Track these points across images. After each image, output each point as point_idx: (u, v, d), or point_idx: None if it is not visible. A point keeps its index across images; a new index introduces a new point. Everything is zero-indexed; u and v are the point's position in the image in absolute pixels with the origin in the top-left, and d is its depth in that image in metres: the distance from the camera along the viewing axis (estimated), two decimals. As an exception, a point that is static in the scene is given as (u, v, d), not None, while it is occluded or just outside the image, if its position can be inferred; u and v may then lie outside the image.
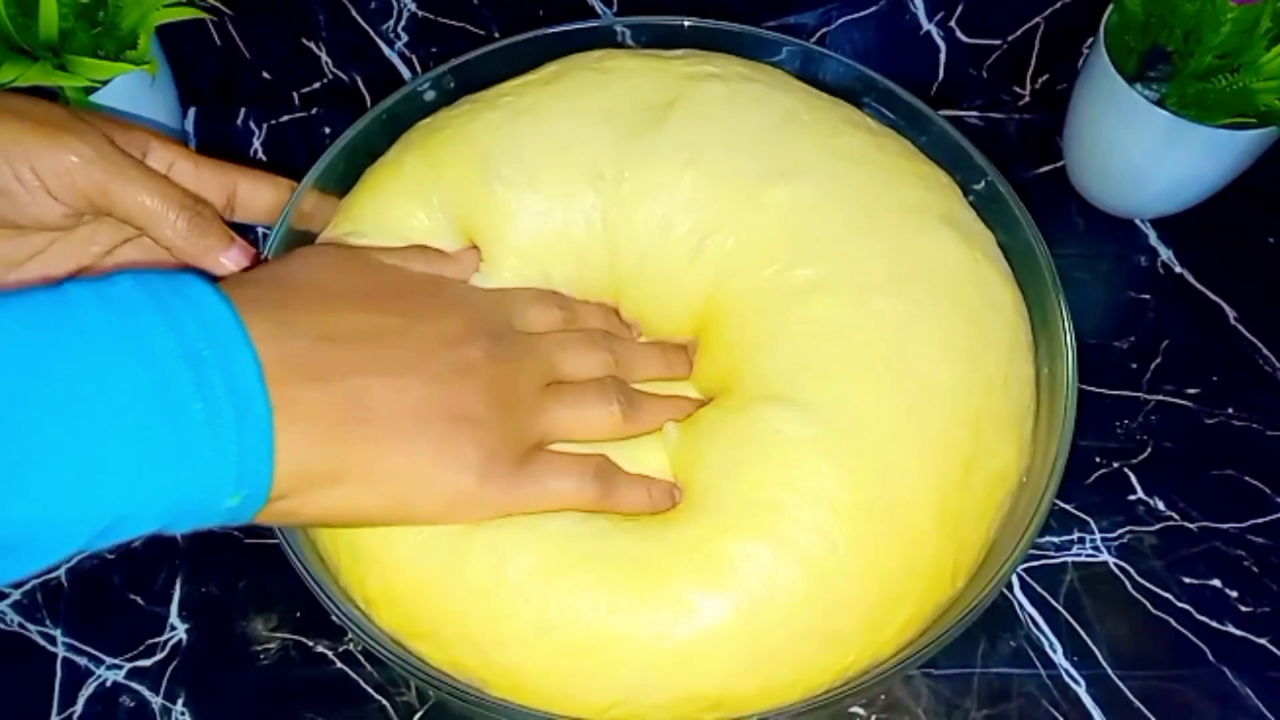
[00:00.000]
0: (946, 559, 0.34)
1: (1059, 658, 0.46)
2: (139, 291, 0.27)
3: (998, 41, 0.59)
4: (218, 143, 0.59)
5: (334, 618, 0.34)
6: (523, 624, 0.32)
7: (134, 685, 0.45)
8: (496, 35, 0.60)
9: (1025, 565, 0.48)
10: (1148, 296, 0.55)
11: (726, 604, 0.31)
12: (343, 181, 0.43)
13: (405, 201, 0.39)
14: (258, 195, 0.39)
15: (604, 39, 0.46)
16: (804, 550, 0.32)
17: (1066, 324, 0.38)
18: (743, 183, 0.37)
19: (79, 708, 0.44)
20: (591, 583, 0.32)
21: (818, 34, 0.58)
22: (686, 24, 0.45)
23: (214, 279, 0.30)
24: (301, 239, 0.41)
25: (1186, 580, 0.47)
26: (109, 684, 0.45)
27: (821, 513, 0.32)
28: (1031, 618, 0.47)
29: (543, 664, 0.32)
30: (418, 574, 0.34)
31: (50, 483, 0.25)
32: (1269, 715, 0.44)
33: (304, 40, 0.59)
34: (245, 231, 0.56)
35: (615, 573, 0.32)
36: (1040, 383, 0.39)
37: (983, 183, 0.42)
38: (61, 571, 0.47)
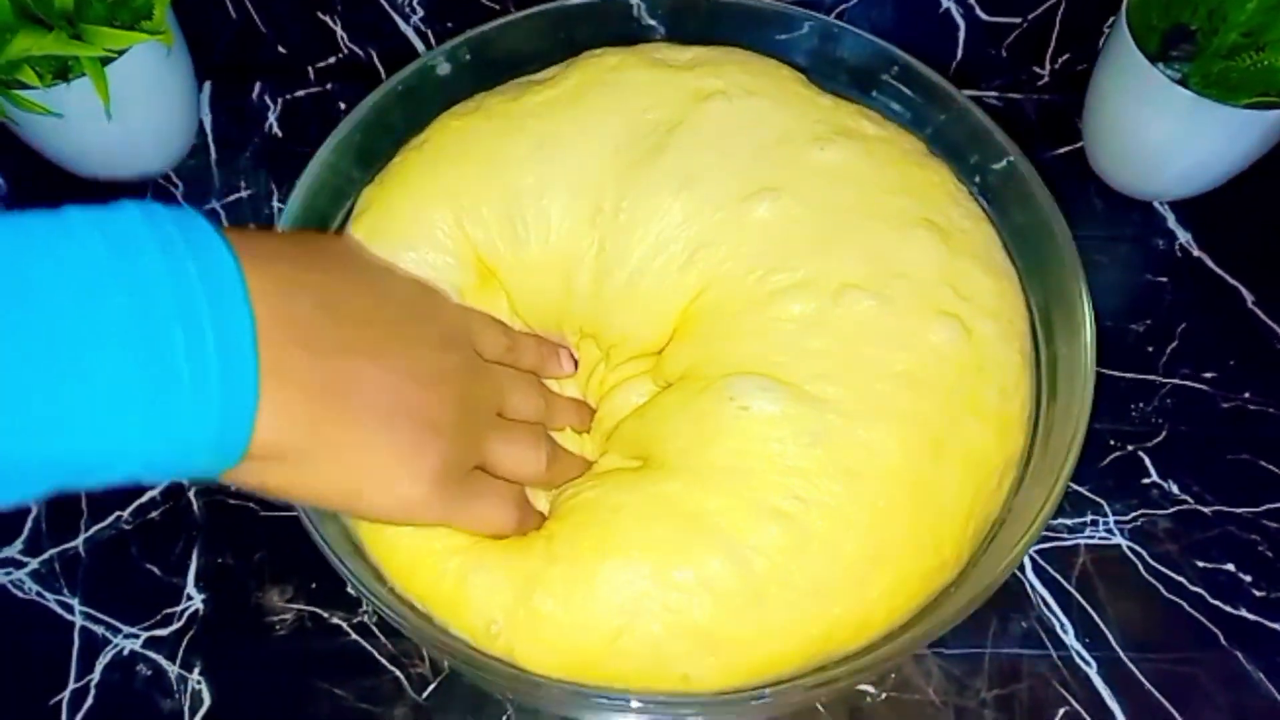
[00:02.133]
0: (923, 527, 0.35)
1: (1070, 639, 0.46)
2: (143, 227, 0.26)
3: (1018, 20, 0.59)
4: (233, 117, 0.59)
5: (350, 588, 0.35)
6: (535, 558, 0.35)
7: (151, 654, 0.45)
8: (512, 9, 0.60)
9: (1038, 547, 0.48)
10: (1165, 279, 0.55)
11: (708, 551, 0.34)
12: (358, 153, 0.43)
13: (432, 213, 0.41)
14: None
15: (620, 14, 0.46)
16: (776, 507, 0.34)
17: (1086, 305, 0.38)
18: (731, 201, 0.40)
19: (96, 675, 0.45)
20: (585, 521, 0.35)
21: (836, 10, 0.58)
22: None
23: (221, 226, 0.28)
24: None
25: (1200, 564, 0.47)
26: (126, 653, 0.45)
27: (788, 477, 0.34)
28: (1043, 599, 0.47)
29: (554, 592, 0.34)
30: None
31: (14, 418, 0.23)
32: (1281, 699, 0.45)
33: (320, 14, 0.59)
34: (261, 206, 0.56)
35: (606, 517, 0.35)
36: (1058, 364, 0.39)
37: (1004, 161, 0.42)
38: (79, 541, 0.47)
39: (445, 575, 0.35)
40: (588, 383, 0.42)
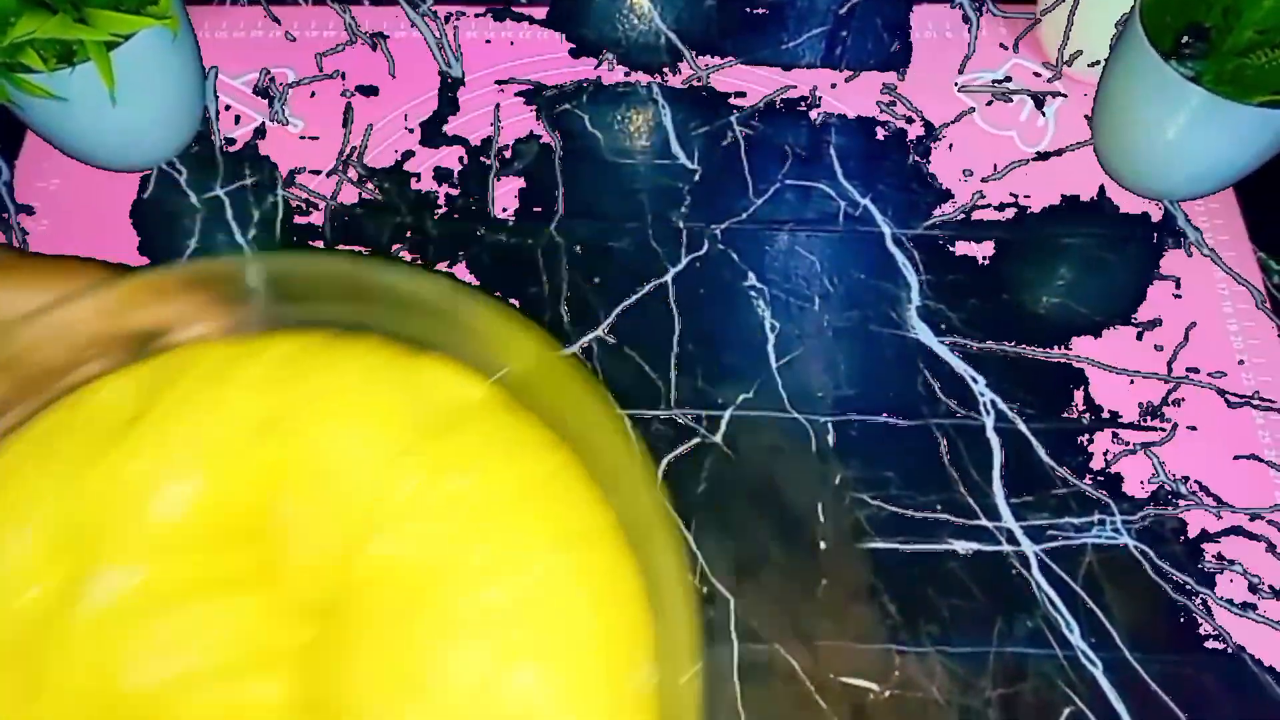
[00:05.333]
0: None
1: (1076, 639, 0.45)
2: None
3: (1030, 14, 0.58)
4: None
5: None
6: None
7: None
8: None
9: (1044, 546, 0.47)
10: (1175, 278, 0.54)
11: None
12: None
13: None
14: None
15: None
16: None
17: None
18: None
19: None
20: None
21: (848, 5, 0.57)
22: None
23: None
24: None
25: (1207, 564, 0.47)
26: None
27: None
28: (1049, 598, 0.46)
29: None
30: None
31: None
32: (1287, 702, 0.44)
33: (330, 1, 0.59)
34: (265, 195, 0.55)
35: None
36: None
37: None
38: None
39: None
40: None
